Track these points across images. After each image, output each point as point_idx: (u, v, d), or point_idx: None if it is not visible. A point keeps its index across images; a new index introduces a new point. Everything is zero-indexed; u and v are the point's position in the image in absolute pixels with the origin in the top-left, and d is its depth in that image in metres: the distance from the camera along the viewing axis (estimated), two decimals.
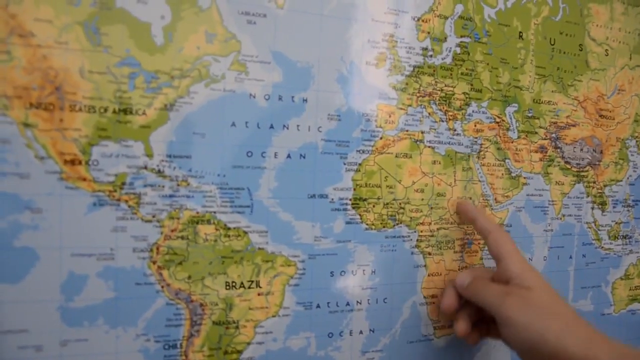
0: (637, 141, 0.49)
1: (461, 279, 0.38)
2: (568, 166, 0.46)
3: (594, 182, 0.47)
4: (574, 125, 0.46)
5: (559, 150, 0.45)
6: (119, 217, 0.31)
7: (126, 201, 0.31)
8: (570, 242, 0.46)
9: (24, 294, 0.29)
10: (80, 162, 0.30)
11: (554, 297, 0.34)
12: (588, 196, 0.47)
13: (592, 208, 0.47)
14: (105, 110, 0.30)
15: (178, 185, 0.32)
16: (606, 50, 0.47)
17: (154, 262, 0.32)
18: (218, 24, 0.32)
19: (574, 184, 0.46)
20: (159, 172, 0.31)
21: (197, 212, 0.32)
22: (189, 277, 0.32)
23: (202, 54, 0.32)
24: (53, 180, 0.29)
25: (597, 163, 0.47)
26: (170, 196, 0.32)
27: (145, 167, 0.31)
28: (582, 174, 0.47)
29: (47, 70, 0.29)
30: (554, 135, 0.45)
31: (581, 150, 0.46)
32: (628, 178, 0.49)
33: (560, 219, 0.46)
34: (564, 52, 0.45)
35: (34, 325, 0.30)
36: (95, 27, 0.29)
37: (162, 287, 0.32)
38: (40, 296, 0.30)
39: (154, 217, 0.31)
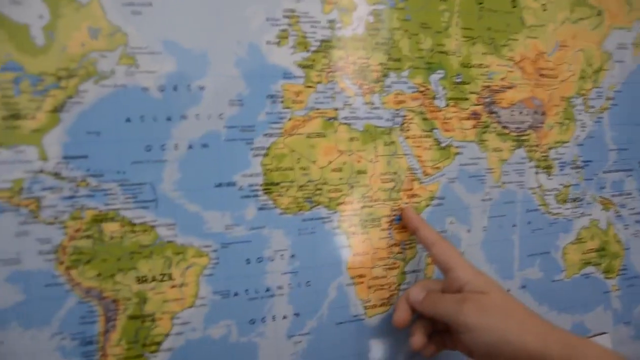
0: (584, 99, 0.52)
1: (414, 294, 0.41)
2: (506, 131, 0.49)
3: (537, 146, 0.50)
4: (510, 88, 0.48)
5: (494, 115, 0.48)
6: (20, 222, 0.34)
7: (26, 206, 0.34)
8: (512, 210, 0.49)
9: None
10: None
11: (508, 297, 0.38)
12: (531, 161, 0.50)
13: (537, 173, 0.50)
14: None
15: (77, 185, 0.35)
16: (543, 4, 0.49)
17: (62, 263, 0.35)
18: (101, 18, 0.35)
19: (514, 149, 0.49)
20: (56, 175, 0.35)
21: (100, 211, 0.36)
22: (99, 275, 0.36)
23: (88, 51, 0.35)
24: None
25: (539, 125, 0.50)
26: (71, 197, 0.35)
27: (42, 171, 0.34)
28: (523, 138, 0.49)
29: None
30: (487, 99, 0.47)
31: (520, 113, 0.49)
32: (576, 138, 0.52)
33: (500, 186, 0.49)
34: (494, 11, 0.47)
35: None
36: None
37: (73, 286, 0.36)
38: None
39: (56, 219, 0.35)
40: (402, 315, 0.41)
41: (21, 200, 0.34)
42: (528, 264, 0.50)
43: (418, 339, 0.40)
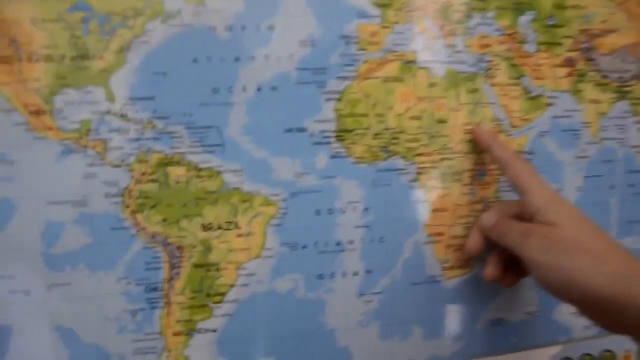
0: None
1: (486, 220, 0.39)
2: (606, 81, 0.45)
3: None
4: (612, 32, 0.44)
5: (592, 62, 0.44)
6: (88, 164, 0.35)
7: (94, 147, 0.35)
8: (611, 170, 0.45)
9: (7, 243, 0.34)
10: (44, 112, 0.34)
11: (584, 230, 0.34)
12: (635, 115, 0.46)
13: None
14: (63, 57, 0.33)
15: (144, 128, 0.35)
16: None
17: (128, 207, 0.35)
18: None
19: (615, 102, 0.45)
20: (123, 116, 0.35)
21: (166, 155, 0.36)
22: (164, 220, 0.36)
23: None
24: (21, 132, 0.34)
25: None
26: (137, 140, 0.35)
27: (109, 112, 0.35)
28: (626, 89, 0.45)
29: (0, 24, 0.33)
30: (585, 45, 0.44)
31: (623, 61, 0.45)
32: None
33: (598, 143, 0.45)
34: None
35: (21, 271, 0.35)
36: None
37: (138, 231, 0.36)
38: (23, 244, 0.34)
39: (122, 162, 0.35)
40: (472, 242, 0.39)
41: (89, 141, 0.34)
42: (628, 232, 0.46)
43: (490, 270, 0.38)
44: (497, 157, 0.38)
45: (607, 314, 0.32)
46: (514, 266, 0.38)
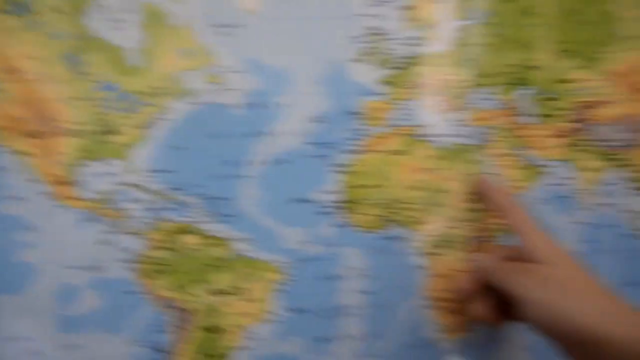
0: None
1: (481, 259, 0.41)
2: (600, 149, 0.47)
3: (636, 165, 0.48)
4: (606, 103, 0.47)
5: (586, 132, 0.47)
6: (105, 231, 0.37)
7: (111, 216, 0.37)
8: (606, 235, 0.48)
9: (24, 304, 0.37)
10: (68, 182, 0.36)
11: (578, 272, 0.36)
12: (628, 181, 0.48)
13: (635, 195, 0.48)
14: (88, 132, 0.36)
15: (160, 198, 0.38)
16: None
17: (141, 272, 0.38)
18: (191, 40, 0.37)
19: (609, 169, 0.47)
20: (142, 187, 0.37)
21: (180, 223, 0.38)
22: (175, 286, 0.38)
23: (177, 70, 0.37)
24: (45, 200, 0.36)
25: (638, 143, 0.48)
26: (154, 209, 0.38)
27: (129, 183, 0.37)
28: (619, 156, 0.48)
29: (35, 100, 0.35)
30: (579, 116, 0.46)
31: (616, 130, 0.47)
32: None
33: (592, 209, 0.47)
34: (589, 23, 0.46)
35: (35, 332, 0.37)
36: (75, 57, 0.36)
37: (149, 295, 0.38)
38: (39, 306, 0.37)
39: (139, 229, 0.38)
40: (466, 281, 0.41)
41: (107, 210, 0.36)
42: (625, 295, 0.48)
43: (477, 306, 0.40)
44: (496, 203, 0.40)
45: (592, 351, 0.33)
46: (503, 307, 0.40)
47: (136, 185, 0.37)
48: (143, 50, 0.36)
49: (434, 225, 0.42)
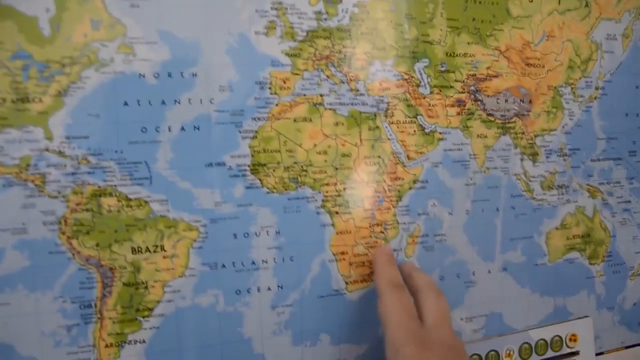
0: (572, 88, 0.56)
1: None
2: (491, 118, 0.53)
3: (523, 133, 0.55)
4: (495, 76, 0.53)
5: (479, 102, 0.52)
6: (27, 195, 0.40)
7: (32, 181, 0.40)
8: (496, 195, 0.54)
9: None
10: None
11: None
12: (516, 147, 0.55)
13: (522, 159, 0.55)
14: (4, 100, 0.39)
15: (79, 163, 0.41)
16: None
17: (64, 233, 0.41)
18: (102, 11, 0.40)
19: (499, 136, 0.54)
20: (60, 153, 0.40)
21: (99, 187, 0.41)
22: (97, 245, 0.42)
23: (90, 41, 0.40)
24: None
25: (525, 113, 0.54)
26: (73, 174, 0.41)
27: (47, 149, 0.40)
28: (508, 125, 0.54)
29: None
30: (472, 88, 0.52)
31: (506, 101, 0.54)
32: (564, 127, 0.56)
33: (484, 172, 0.53)
34: (480, 2, 0.51)
35: None
36: None
37: (73, 254, 0.41)
38: None
39: (59, 193, 0.41)
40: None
41: (28, 175, 0.39)
42: (510, 247, 0.54)
43: None
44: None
45: None
46: None
47: (54, 151, 0.40)
48: (54, 20, 0.39)
49: (337, 187, 0.47)
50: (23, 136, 0.39)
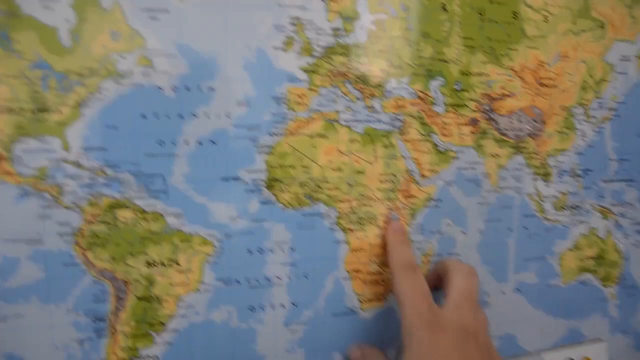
0: (585, 109, 0.56)
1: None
2: (504, 138, 0.53)
3: (536, 153, 0.55)
4: (509, 96, 0.53)
5: (492, 122, 0.53)
6: (43, 206, 0.40)
7: (49, 191, 0.40)
8: (509, 215, 0.54)
9: None
10: (4, 159, 0.39)
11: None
12: (529, 167, 0.55)
13: (534, 179, 0.55)
14: (23, 110, 0.39)
15: (95, 175, 0.41)
16: (545, 16, 0.54)
17: (79, 245, 0.41)
18: (122, 23, 0.41)
19: (512, 156, 0.54)
20: (77, 164, 0.41)
21: (115, 199, 0.42)
22: (112, 258, 0.42)
23: (109, 52, 0.41)
24: None
25: (538, 133, 0.55)
26: (89, 185, 0.41)
27: (64, 160, 0.40)
28: (521, 145, 0.54)
29: None
30: (486, 107, 0.52)
31: (519, 121, 0.54)
32: (576, 147, 0.56)
33: (497, 191, 0.54)
34: (495, 22, 0.52)
35: None
36: (5, 35, 0.39)
37: (88, 267, 0.41)
38: None
39: (75, 204, 0.41)
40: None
41: (45, 186, 0.40)
42: (523, 268, 0.54)
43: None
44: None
45: None
46: None
47: (71, 162, 0.40)
48: (74, 31, 0.39)
49: (351, 203, 0.47)
50: (41, 146, 0.39)
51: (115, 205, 0.41)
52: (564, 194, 0.55)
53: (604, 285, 0.58)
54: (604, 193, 0.58)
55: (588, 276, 0.57)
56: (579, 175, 0.56)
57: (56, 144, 0.40)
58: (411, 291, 0.42)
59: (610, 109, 0.57)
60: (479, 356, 0.39)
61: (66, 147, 0.40)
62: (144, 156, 0.41)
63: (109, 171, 0.41)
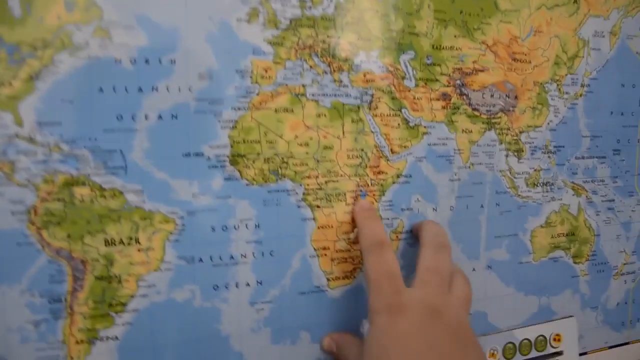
0: (557, 85, 0.56)
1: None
2: (476, 113, 0.53)
3: (508, 129, 0.54)
4: (482, 71, 0.52)
5: (464, 97, 0.52)
6: None
7: (0, 168, 0.39)
8: (481, 191, 0.54)
9: None
10: None
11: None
12: (501, 143, 0.54)
13: (507, 155, 0.54)
14: None
15: (50, 151, 0.40)
16: None
17: (33, 224, 0.40)
18: None
19: (484, 132, 0.53)
20: (31, 140, 0.39)
21: (72, 175, 0.40)
22: (69, 236, 0.40)
23: (64, 23, 0.39)
24: None
25: (511, 109, 0.54)
26: (44, 162, 0.39)
27: (17, 136, 0.39)
28: (494, 120, 0.54)
29: None
30: (458, 81, 0.51)
31: (492, 96, 0.53)
32: (549, 123, 0.56)
33: (469, 167, 0.53)
34: None
35: None
36: None
37: (43, 246, 0.40)
38: None
39: (29, 181, 0.39)
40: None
41: None
42: (495, 245, 0.54)
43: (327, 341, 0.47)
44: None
45: None
46: None
47: (25, 138, 0.38)
48: (25, 0, 0.37)
49: (319, 180, 0.46)
50: None
51: (72, 183, 0.40)
52: (536, 170, 0.55)
53: (575, 262, 0.59)
54: (577, 170, 0.57)
55: (560, 253, 0.57)
56: (551, 152, 0.56)
57: (8, 118, 0.38)
58: (376, 272, 0.41)
59: (583, 85, 0.57)
60: (444, 336, 0.38)
61: (19, 122, 0.38)
62: (102, 131, 0.40)
63: (64, 147, 0.39)
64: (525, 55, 0.53)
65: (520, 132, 0.54)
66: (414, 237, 0.49)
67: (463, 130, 0.51)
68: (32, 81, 0.38)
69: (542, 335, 0.56)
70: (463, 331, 0.39)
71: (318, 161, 0.46)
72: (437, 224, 0.47)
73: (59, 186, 0.39)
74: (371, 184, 0.48)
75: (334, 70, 0.46)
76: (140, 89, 0.41)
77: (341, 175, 0.47)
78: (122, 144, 0.41)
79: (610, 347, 0.62)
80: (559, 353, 0.57)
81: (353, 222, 0.47)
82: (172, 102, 0.41)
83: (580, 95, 0.56)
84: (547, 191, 0.56)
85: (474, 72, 0.51)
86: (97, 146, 0.40)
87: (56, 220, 0.40)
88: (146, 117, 0.41)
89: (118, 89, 0.40)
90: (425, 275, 0.42)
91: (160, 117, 0.41)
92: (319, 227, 0.47)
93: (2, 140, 0.38)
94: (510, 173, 0.54)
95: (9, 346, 0.39)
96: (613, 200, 0.60)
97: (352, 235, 0.48)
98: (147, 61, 0.40)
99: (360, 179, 0.48)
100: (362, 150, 0.47)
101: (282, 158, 0.45)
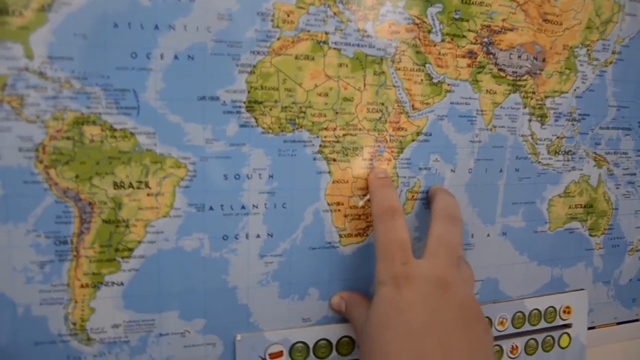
0: (588, 50, 0.54)
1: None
2: (502, 74, 0.51)
3: (533, 93, 0.53)
4: (511, 30, 0.51)
5: (491, 56, 0.50)
6: (2, 118, 0.38)
7: (9, 102, 0.38)
8: (501, 155, 0.53)
9: None
10: None
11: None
12: (525, 107, 0.53)
13: (530, 120, 0.53)
14: None
15: (61, 86, 0.38)
16: None
17: (41, 162, 0.39)
18: None
19: (509, 94, 0.52)
20: (41, 74, 0.38)
21: (82, 113, 0.39)
22: (77, 177, 0.40)
23: None
24: None
25: (537, 72, 0.53)
26: (54, 97, 0.38)
27: (27, 69, 0.38)
28: (519, 83, 0.52)
29: None
30: (485, 39, 0.50)
31: (519, 57, 0.52)
32: (575, 90, 0.54)
33: (491, 130, 0.52)
34: None
35: None
36: None
37: (50, 185, 0.39)
38: None
39: (37, 117, 0.38)
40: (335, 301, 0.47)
41: (4, 96, 0.37)
42: (511, 211, 0.53)
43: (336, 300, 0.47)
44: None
45: None
46: None
47: (35, 71, 0.37)
48: None
49: (336, 132, 0.45)
50: (1, 52, 0.36)
51: (82, 121, 0.39)
52: (559, 138, 0.54)
53: (591, 235, 0.58)
54: (600, 140, 0.56)
55: (576, 224, 0.57)
56: (576, 120, 0.54)
57: (18, 50, 0.37)
58: (386, 241, 0.41)
59: (614, 52, 0.55)
60: (449, 307, 0.38)
61: (29, 55, 0.37)
62: (115, 69, 0.39)
63: (75, 83, 0.38)
64: (557, 16, 0.51)
65: (546, 97, 0.52)
66: (429, 198, 0.48)
67: (487, 91, 0.50)
68: (44, 12, 0.37)
69: (552, 307, 0.55)
70: (468, 303, 0.40)
71: (337, 113, 0.45)
72: (451, 195, 0.46)
73: (68, 124, 0.38)
74: (390, 140, 0.47)
75: (359, 19, 0.44)
76: (156, 27, 0.39)
77: (360, 129, 0.46)
78: (135, 83, 0.39)
79: (619, 324, 0.61)
80: (568, 325, 0.57)
81: (366, 189, 0.46)
82: (189, 42, 0.40)
83: (610, 63, 0.55)
84: (568, 160, 0.55)
85: (503, 30, 0.50)
86: (110, 84, 0.39)
87: (64, 159, 0.39)
88: (162, 57, 0.40)
89: (133, 25, 0.39)
90: (435, 246, 0.41)
91: (176, 57, 0.40)
92: (333, 182, 0.46)
93: (12, 73, 0.37)
94: (532, 139, 0.53)
95: (14, 285, 0.39)
96: (635, 174, 0.59)
97: (361, 202, 0.47)
98: None
99: (379, 134, 0.46)
100: (383, 104, 0.46)
101: (300, 107, 0.43)
